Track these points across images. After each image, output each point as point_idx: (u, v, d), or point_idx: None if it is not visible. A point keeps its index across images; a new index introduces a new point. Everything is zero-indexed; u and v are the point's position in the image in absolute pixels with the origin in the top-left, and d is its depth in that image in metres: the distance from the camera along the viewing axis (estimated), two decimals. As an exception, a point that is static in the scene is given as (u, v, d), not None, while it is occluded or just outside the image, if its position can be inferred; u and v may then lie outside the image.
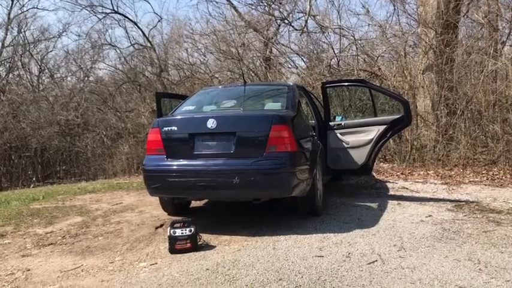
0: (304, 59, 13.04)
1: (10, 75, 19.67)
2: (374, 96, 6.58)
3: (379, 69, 10.25)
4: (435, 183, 7.11)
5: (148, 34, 15.26)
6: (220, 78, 12.91)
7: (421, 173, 7.97)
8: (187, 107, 5.37)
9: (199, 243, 4.29)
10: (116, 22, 15.85)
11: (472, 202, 5.78)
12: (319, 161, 5.30)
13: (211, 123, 4.60)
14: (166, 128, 4.77)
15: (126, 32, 16.32)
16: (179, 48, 15.02)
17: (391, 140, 9.41)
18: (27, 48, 19.04)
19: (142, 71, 15.17)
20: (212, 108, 5.34)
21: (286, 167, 4.47)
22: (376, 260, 3.71)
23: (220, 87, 6.96)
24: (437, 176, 7.65)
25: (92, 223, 5.32)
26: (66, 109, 14.64)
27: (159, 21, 16.08)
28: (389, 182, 7.44)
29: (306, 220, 5.02)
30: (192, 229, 4.20)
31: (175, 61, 14.34)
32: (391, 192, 6.69)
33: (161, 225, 5.04)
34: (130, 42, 15.51)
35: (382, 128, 5.76)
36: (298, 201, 5.01)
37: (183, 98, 6.58)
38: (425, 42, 9.62)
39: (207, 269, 3.64)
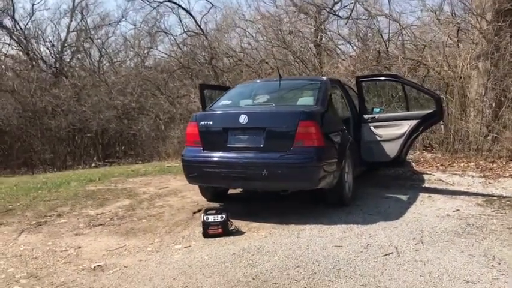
0: (353, 46, 13.04)
1: (74, 60, 20.99)
2: (408, 89, 6.64)
3: (427, 58, 10.10)
4: (473, 176, 7.09)
5: (201, 21, 15.76)
6: (268, 66, 13.16)
7: (462, 164, 7.93)
8: (224, 101, 5.74)
9: (231, 229, 4.67)
10: (170, 10, 16.45)
11: (504, 197, 5.78)
12: (349, 153, 5.50)
13: (243, 119, 4.94)
14: (203, 122, 5.18)
15: (180, 19, 16.86)
16: (229, 35, 15.44)
17: (436, 130, 9.37)
18: (88, 34, 20.17)
19: (195, 57, 15.68)
20: (247, 103, 5.66)
21: (312, 161, 4.74)
22: (392, 252, 3.91)
23: (258, 81, 7.27)
24: (478, 168, 7.60)
25: (138, 206, 5.85)
26: (123, 94, 15.47)
27: (210, 8, 16.51)
28: (426, 173, 7.48)
29: (333, 210, 5.27)
30: (224, 216, 4.60)
31: (224, 48, 14.73)
32: (426, 185, 6.76)
33: (199, 211, 5.46)
34: (184, 30, 16.07)
35: (414, 122, 5.86)
36: (326, 192, 5.26)
37: (225, 89, 6.95)
38: (477, 31, 9.38)
39: (234, 254, 4.01)
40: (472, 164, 7.89)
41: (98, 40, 20.47)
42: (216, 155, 5.07)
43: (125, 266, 3.87)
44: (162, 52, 17.76)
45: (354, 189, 5.76)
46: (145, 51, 18.98)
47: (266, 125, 4.93)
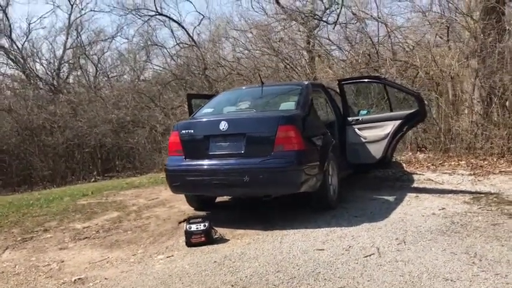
0: (343, 50, 13.04)
1: (70, 77, 21.16)
2: (391, 90, 6.66)
3: (415, 58, 10.10)
4: (462, 174, 7.05)
5: (193, 33, 15.85)
6: (260, 74, 13.20)
7: (452, 163, 7.89)
8: (207, 109, 5.76)
9: (215, 237, 4.67)
10: (162, 23, 16.54)
11: (492, 194, 5.75)
12: (332, 156, 5.48)
13: (223, 126, 4.95)
14: (184, 131, 5.19)
15: (172, 32, 16.97)
16: (221, 45, 15.52)
17: (428, 130, 9.35)
18: (84, 51, 20.33)
19: (188, 68, 15.75)
20: (229, 109, 5.68)
21: (293, 164, 4.74)
22: (373, 253, 3.89)
23: (243, 88, 7.30)
24: (468, 166, 7.56)
25: (125, 218, 5.85)
26: (117, 107, 15.51)
27: (202, 19, 16.62)
28: (416, 173, 7.45)
29: (319, 214, 5.24)
30: (206, 224, 4.60)
31: (215, 59, 14.80)
32: (415, 185, 6.74)
33: (184, 220, 5.40)
34: (176, 42, 16.16)
35: (397, 122, 5.86)
36: (311, 196, 5.24)
37: (212, 97, 6.96)
38: (466, 29, 9.38)
39: (215, 262, 4.00)
40: (463, 162, 7.85)
41: (94, 56, 20.66)
42: (198, 163, 5.08)
43: (105, 278, 3.87)
44: (157, 65, 17.91)
45: (340, 192, 5.74)
46: (141, 65, 19.12)
47: (246, 130, 4.93)
